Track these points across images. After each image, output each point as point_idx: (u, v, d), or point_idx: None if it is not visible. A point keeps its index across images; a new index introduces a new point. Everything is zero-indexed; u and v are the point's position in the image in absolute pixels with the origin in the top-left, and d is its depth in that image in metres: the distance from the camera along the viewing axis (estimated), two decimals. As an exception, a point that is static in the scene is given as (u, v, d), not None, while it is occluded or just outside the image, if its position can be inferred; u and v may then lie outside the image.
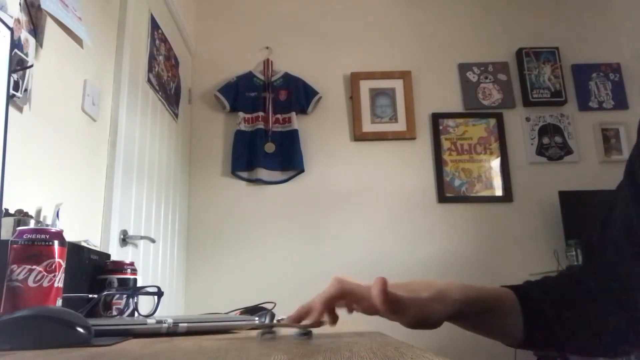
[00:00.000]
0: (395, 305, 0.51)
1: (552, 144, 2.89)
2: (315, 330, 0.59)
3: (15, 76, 1.16)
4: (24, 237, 0.62)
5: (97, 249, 1.06)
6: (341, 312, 0.62)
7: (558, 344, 0.60)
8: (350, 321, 0.98)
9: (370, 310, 0.55)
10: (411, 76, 2.96)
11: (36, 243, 0.62)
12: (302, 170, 2.77)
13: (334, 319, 0.58)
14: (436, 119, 2.91)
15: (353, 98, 2.91)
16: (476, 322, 0.59)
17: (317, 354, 0.37)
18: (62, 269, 0.64)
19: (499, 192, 2.82)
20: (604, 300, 0.56)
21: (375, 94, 2.93)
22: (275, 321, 1.00)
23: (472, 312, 0.57)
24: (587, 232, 0.63)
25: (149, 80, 2.13)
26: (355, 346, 0.43)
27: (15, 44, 1.16)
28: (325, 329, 0.68)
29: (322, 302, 0.57)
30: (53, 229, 0.64)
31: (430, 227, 2.74)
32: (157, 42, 2.26)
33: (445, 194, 2.79)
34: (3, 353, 0.43)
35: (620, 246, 0.56)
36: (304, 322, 0.57)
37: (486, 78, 2.99)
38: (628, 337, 0.56)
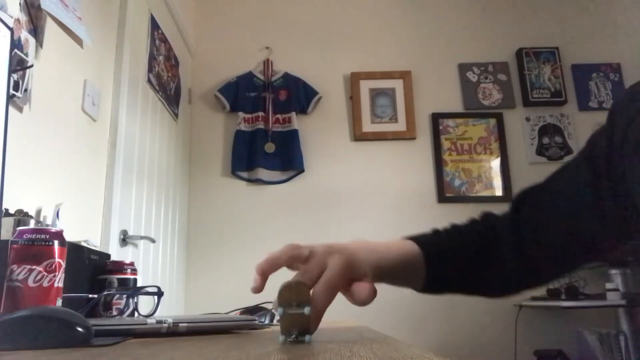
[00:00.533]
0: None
1: (552, 144, 2.89)
2: (314, 331, 0.59)
3: (15, 76, 1.16)
4: (24, 237, 0.62)
5: (97, 249, 1.06)
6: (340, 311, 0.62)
7: (452, 287, 0.61)
8: (350, 321, 0.98)
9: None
10: (411, 76, 2.96)
11: (36, 243, 0.62)
12: (302, 170, 2.77)
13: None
14: (436, 119, 2.91)
15: (353, 98, 2.91)
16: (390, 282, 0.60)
17: (317, 354, 0.37)
18: (62, 269, 0.64)
19: (499, 192, 2.82)
20: (507, 248, 0.57)
21: (375, 94, 2.93)
22: (275, 321, 1.00)
23: (382, 275, 0.59)
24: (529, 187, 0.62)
25: (149, 80, 2.13)
26: (355, 346, 0.43)
27: (15, 44, 1.16)
28: (325, 328, 0.68)
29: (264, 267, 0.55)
30: (53, 229, 0.64)
31: (430, 227, 2.74)
32: (157, 42, 2.26)
33: (445, 194, 2.79)
34: (3, 353, 0.43)
35: (557, 209, 0.56)
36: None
37: (486, 78, 2.99)
38: (520, 283, 0.60)
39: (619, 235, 0.52)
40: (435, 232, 0.62)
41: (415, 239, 0.61)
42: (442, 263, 0.58)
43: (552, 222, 0.55)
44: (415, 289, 0.61)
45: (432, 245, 0.59)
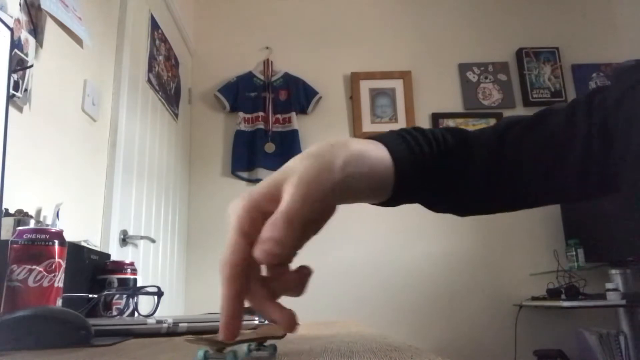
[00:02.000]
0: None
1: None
2: (314, 331, 0.59)
3: (15, 76, 1.16)
4: (24, 237, 0.62)
5: (97, 249, 1.06)
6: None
7: (418, 198, 0.56)
8: (350, 321, 0.98)
9: None
10: (411, 76, 2.96)
11: (36, 243, 0.62)
12: (302, 170, 2.77)
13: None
14: (436, 119, 2.91)
15: (353, 98, 2.91)
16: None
17: (317, 354, 0.37)
18: (62, 269, 0.64)
19: (499, 192, 2.81)
20: (480, 166, 0.54)
21: (375, 94, 2.93)
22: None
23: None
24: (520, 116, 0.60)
25: (149, 80, 2.13)
26: (355, 346, 0.43)
27: (15, 44, 1.16)
28: (325, 328, 0.68)
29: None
30: (53, 229, 0.64)
31: (430, 227, 2.74)
32: (157, 42, 2.26)
33: (445, 194, 2.79)
34: (3, 353, 0.43)
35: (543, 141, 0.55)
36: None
37: (486, 78, 2.99)
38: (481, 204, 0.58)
39: (595, 191, 0.53)
40: (404, 139, 0.52)
41: (386, 144, 0.50)
42: (414, 174, 0.50)
43: (536, 159, 0.55)
44: (372, 201, 0.52)
45: (406, 160, 0.49)
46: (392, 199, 0.51)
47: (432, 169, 0.53)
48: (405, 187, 0.50)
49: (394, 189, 0.49)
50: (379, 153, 0.48)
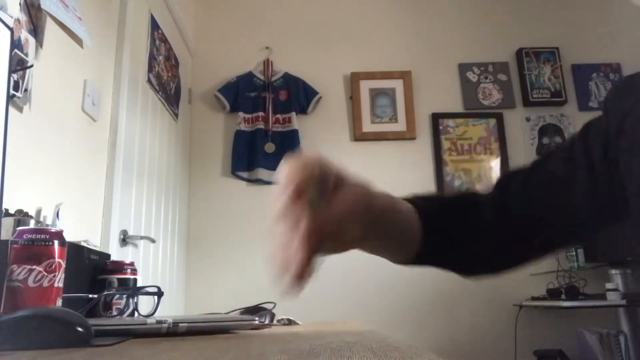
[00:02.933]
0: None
1: (552, 144, 2.89)
2: (315, 330, 0.59)
3: (15, 76, 1.16)
4: (24, 237, 0.62)
5: (97, 249, 1.07)
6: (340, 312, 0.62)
7: (445, 262, 0.57)
8: (350, 321, 0.98)
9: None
10: (411, 76, 2.95)
11: (36, 243, 0.62)
12: (302, 170, 2.77)
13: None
14: (436, 119, 2.91)
15: (353, 98, 2.91)
16: (379, 246, 0.53)
17: (317, 354, 0.37)
18: (62, 269, 0.64)
19: (499, 192, 2.81)
20: (497, 225, 0.55)
21: (375, 94, 2.93)
22: (275, 322, 1.00)
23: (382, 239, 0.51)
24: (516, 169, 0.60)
25: (149, 80, 2.13)
26: (355, 346, 0.43)
27: (15, 44, 1.16)
28: (325, 328, 0.68)
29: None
30: (53, 229, 0.64)
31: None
32: (157, 42, 2.26)
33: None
34: (3, 353, 0.43)
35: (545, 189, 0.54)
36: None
37: (486, 78, 2.99)
38: (510, 261, 0.58)
39: (608, 220, 0.52)
40: (427, 199, 0.56)
41: (412, 201, 0.54)
42: (438, 232, 0.52)
43: (543, 201, 0.54)
44: (394, 259, 0.54)
45: (430, 213, 0.53)
46: (420, 253, 0.53)
47: (447, 219, 0.54)
48: (430, 231, 0.52)
49: (422, 235, 0.52)
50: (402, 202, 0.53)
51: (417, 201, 0.54)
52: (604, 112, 0.53)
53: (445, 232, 0.54)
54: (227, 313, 1.03)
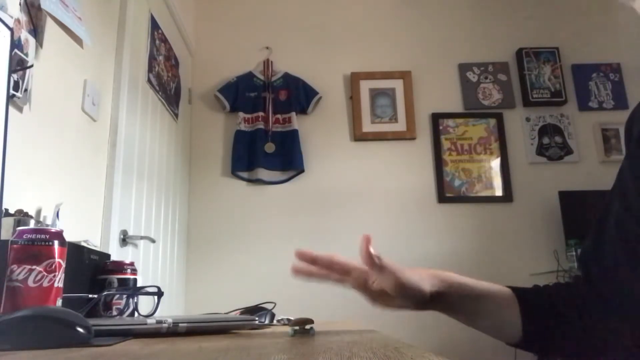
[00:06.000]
0: (377, 263, 0.55)
1: (552, 144, 2.89)
2: (315, 330, 0.60)
3: (15, 76, 1.16)
4: (24, 237, 0.62)
5: (97, 249, 1.07)
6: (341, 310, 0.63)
7: (553, 347, 0.60)
8: (350, 321, 0.98)
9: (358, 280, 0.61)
10: (411, 76, 2.95)
11: (36, 243, 0.62)
12: (302, 171, 2.77)
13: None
14: (436, 119, 2.91)
15: (353, 98, 2.91)
16: (469, 307, 0.60)
17: (317, 354, 0.37)
18: (62, 269, 0.64)
19: (499, 192, 2.82)
20: (598, 308, 0.57)
21: (375, 94, 2.93)
22: (275, 321, 1.00)
23: (464, 295, 0.58)
24: (584, 243, 0.63)
25: (149, 80, 2.13)
26: (355, 346, 0.43)
27: (15, 44, 1.16)
28: (326, 328, 0.68)
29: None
30: (53, 229, 0.64)
31: (430, 227, 2.74)
32: (157, 42, 2.26)
33: (445, 194, 2.79)
34: (3, 353, 0.43)
35: (617, 257, 0.56)
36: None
37: (486, 78, 2.99)
38: (617, 343, 0.57)
39: None
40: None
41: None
42: (539, 312, 0.59)
43: (621, 280, 0.56)
44: (502, 336, 0.62)
45: (526, 293, 0.60)
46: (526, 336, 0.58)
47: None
48: (532, 316, 0.58)
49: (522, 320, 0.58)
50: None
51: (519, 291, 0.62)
52: (626, 135, 0.55)
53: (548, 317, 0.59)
54: (227, 313, 1.03)
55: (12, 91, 1.13)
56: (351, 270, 0.60)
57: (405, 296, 0.55)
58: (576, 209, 2.58)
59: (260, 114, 2.82)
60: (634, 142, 0.52)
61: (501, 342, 0.64)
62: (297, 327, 0.61)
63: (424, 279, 0.57)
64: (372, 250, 0.56)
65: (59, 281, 0.63)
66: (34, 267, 0.60)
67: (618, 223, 0.55)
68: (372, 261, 0.55)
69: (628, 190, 0.54)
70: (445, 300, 0.58)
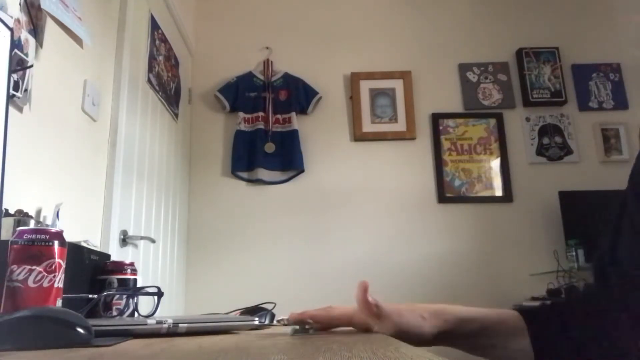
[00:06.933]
0: (375, 312, 0.55)
1: (552, 144, 2.89)
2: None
3: (15, 76, 1.16)
4: (24, 237, 0.62)
5: (97, 249, 1.07)
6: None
7: None
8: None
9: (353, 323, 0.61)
10: (411, 76, 2.95)
11: (36, 243, 0.62)
12: (302, 171, 2.77)
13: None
14: (436, 119, 2.91)
15: (353, 98, 2.91)
16: (475, 342, 0.60)
17: (317, 354, 0.37)
18: (62, 269, 0.63)
19: (499, 192, 2.82)
20: (612, 320, 0.56)
21: (375, 94, 2.93)
22: (275, 322, 1.00)
23: (469, 330, 0.58)
24: (598, 253, 0.63)
25: (149, 80, 2.13)
26: (355, 346, 0.43)
27: (15, 44, 1.16)
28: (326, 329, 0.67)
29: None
30: (53, 229, 0.64)
31: (430, 227, 2.74)
32: (157, 42, 2.26)
33: (445, 194, 2.79)
34: (3, 353, 0.43)
35: (635, 259, 0.56)
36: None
37: (486, 78, 2.99)
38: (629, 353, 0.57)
39: None
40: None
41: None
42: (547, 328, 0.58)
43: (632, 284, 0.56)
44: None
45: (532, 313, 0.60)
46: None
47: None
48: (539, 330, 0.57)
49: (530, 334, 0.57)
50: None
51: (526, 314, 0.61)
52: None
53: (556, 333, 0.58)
54: (227, 313, 1.03)
55: (12, 91, 1.13)
56: (352, 316, 0.60)
57: (406, 340, 0.55)
58: (576, 209, 2.58)
59: (260, 114, 2.82)
60: None
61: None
62: (297, 327, 0.60)
63: (425, 320, 0.57)
64: (369, 298, 0.56)
65: (59, 281, 0.63)
66: (34, 267, 0.60)
67: (635, 225, 0.55)
68: (371, 309, 0.56)
69: None
70: (449, 337, 0.58)
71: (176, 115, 2.53)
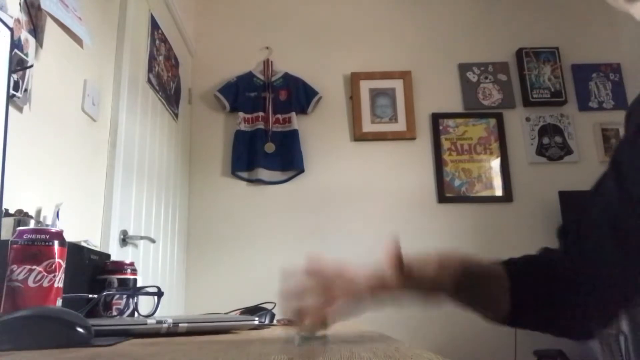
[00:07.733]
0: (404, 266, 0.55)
1: (552, 144, 2.89)
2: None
3: (15, 76, 1.16)
4: (24, 237, 0.62)
5: (97, 249, 1.07)
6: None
7: (541, 324, 0.61)
8: (350, 321, 0.98)
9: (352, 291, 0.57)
10: (411, 76, 2.95)
11: (36, 243, 0.62)
12: (302, 170, 2.77)
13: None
14: (436, 119, 2.91)
15: (353, 98, 2.91)
16: (468, 294, 0.62)
17: (317, 355, 0.37)
18: (62, 269, 0.63)
19: (499, 192, 2.82)
20: (582, 290, 0.58)
21: (375, 94, 2.93)
22: (275, 322, 1.00)
23: (467, 284, 0.59)
24: (565, 222, 0.65)
25: (149, 80, 2.13)
26: (355, 346, 0.43)
27: (15, 44, 1.16)
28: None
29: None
30: (53, 229, 0.64)
31: (430, 227, 2.74)
32: (157, 42, 2.26)
33: (445, 194, 2.79)
34: (3, 353, 0.43)
35: (604, 245, 0.56)
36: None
37: (486, 78, 2.99)
38: (600, 322, 0.61)
39: None
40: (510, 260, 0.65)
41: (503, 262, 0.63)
42: (528, 288, 0.60)
43: (601, 256, 0.56)
44: (488, 314, 0.63)
45: (516, 268, 0.60)
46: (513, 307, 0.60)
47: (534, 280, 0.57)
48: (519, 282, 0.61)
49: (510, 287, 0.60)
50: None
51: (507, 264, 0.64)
52: (625, 127, 0.56)
53: (535, 293, 0.60)
54: (227, 313, 1.03)
55: (12, 91, 1.13)
56: (383, 276, 0.58)
57: (421, 289, 0.56)
58: (576, 209, 2.58)
59: (260, 114, 2.82)
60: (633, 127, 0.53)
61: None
62: (306, 335, 0.48)
63: (441, 277, 0.59)
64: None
65: (59, 281, 0.63)
66: (34, 267, 0.60)
67: (608, 207, 0.56)
68: (401, 264, 0.56)
69: (628, 176, 0.54)
70: (454, 288, 0.59)
71: (176, 115, 2.53)
